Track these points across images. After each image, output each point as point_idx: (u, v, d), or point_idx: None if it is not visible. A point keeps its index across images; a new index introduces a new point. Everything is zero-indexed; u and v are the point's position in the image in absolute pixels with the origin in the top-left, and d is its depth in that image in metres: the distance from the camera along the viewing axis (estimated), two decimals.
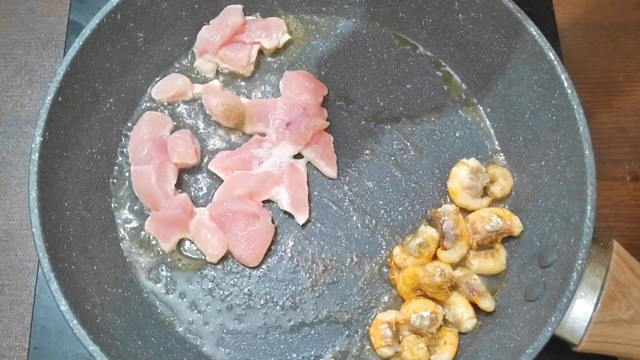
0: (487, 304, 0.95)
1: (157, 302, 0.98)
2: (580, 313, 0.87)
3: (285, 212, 1.02)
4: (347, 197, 1.04)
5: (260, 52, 1.10)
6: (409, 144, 1.07)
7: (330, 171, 1.03)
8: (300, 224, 1.01)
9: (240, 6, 1.08)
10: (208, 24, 1.08)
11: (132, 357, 0.87)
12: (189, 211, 0.99)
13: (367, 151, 1.07)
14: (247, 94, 1.09)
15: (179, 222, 0.98)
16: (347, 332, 0.97)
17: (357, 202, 1.03)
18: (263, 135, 1.04)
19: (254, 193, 1.01)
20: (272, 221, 1.01)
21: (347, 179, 1.05)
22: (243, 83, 1.10)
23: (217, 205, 1.00)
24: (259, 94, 1.09)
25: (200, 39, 1.07)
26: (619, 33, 1.24)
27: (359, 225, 1.02)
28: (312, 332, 0.97)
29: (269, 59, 1.12)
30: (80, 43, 0.94)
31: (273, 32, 1.09)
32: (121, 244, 1.00)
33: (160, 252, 1.00)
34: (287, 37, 1.10)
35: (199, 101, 1.07)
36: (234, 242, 0.98)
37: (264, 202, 1.02)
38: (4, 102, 1.18)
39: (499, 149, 1.07)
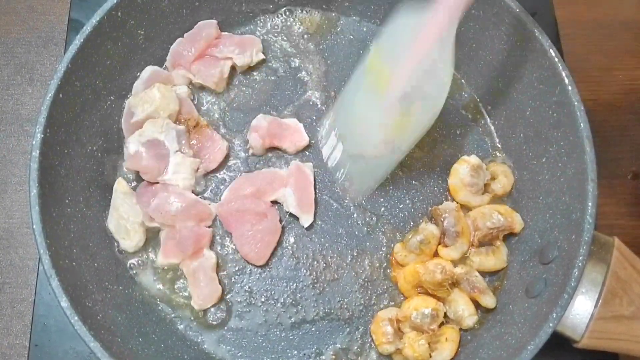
0: (488, 300, 0.95)
1: (158, 300, 0.98)
2: (581, 309, 0.87)
3: (291, 214, 1.02)
4: (347, 195, 1.04)
5: (233, 67, 1.09)
6: None
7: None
8: (305, 226, 1.01)
9: (214, 21, 1.08)
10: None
11: (133, 354, 0.87)
12: (201, 247, 0.98)
13: None
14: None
15: (185, 250, 0.97)
16: (348, 329, 0.97)
17: (358, 199, 1.03)
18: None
19: (261, 192, 1.01)
20: (280, 220, 1.01)
21: None
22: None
23: (226, 204, 1.00)
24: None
25: (173, 52, 1.06)
26: (620, 31, 1.24)
27: (360, 222, 1.02)
28: (312, 329, 0.97)
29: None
30: (81, 40, 0.94)
31: (247, 50, 1.08)
32: None
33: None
34: (260, 56, 1.09)
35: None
36: (242, 240, 0.98)
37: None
38: (4, 100, 1.18)
39: (499, 146, 1.07)
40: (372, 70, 0.92)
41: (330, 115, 1.04)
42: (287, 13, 1.14)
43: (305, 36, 1.13)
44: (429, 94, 0.88)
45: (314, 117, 1.08)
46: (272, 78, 1.11)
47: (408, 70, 0.87)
